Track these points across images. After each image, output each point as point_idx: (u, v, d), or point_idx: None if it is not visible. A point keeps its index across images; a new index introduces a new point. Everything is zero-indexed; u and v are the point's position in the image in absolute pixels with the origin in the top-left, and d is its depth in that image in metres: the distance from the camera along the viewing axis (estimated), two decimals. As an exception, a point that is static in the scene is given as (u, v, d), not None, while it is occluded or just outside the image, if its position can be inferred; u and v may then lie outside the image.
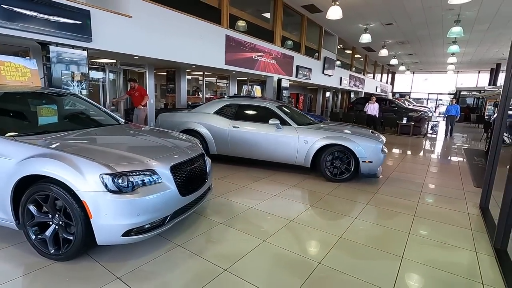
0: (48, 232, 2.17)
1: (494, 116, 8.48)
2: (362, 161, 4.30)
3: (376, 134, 4.86)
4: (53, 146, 2.28)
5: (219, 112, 5.27)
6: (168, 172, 2.35)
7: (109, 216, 2.03)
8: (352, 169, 4.45)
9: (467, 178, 5.15)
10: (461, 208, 3.68)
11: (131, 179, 2.13)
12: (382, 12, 10.73)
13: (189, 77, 10.80)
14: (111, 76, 8.11)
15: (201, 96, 11.22)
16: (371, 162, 4.30)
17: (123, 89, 8.44)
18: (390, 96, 24.16)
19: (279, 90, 10.27)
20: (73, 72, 4.93)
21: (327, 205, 3.58)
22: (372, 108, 11.78)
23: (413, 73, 29.75)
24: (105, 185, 2.03)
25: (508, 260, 2.44)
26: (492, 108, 19.19)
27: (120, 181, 2.08)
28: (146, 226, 2.18)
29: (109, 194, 2.02)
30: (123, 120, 3.58)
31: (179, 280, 2.04)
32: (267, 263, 2.29)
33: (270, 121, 4.70)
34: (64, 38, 4.61)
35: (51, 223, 2.18)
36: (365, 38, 12.26)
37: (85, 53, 5.02)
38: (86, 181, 2.01)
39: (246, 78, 12.68)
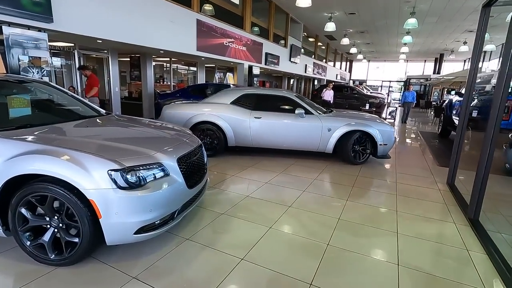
0: (46, 237, 1.97)
1: (446, 102, 9.43)
2: (379, 144, 4.77)
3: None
4: (46, 141, 2.04)
5: (236, 103, 5.03)
6: (175, 164, 2.26)
7: (121, 214, 1.90)
8: (370, 151, 4.92)
9: (430, 158, 5.72)
10: (432, 185, 4.10)
11: (140, 173, 2.01)
12: (347, 1, 11.10)
13: (154, 63, 10.23)
14: (67, 62, 7.35)
15: (168, 83, 10.72)
16: (386, 144, 4.81)
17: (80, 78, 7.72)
18: (351, 84, 25.32)
19: (250, 77, 10.21)
20: (31, 57, 4.37)
21: (342, 190, 3.74)
22: (328, 95, 12.02)
23: (369, 61, 31.54)
24: (114, 182, 1.88)
25: (482, 228, 2.81)
26: (438, 94, 21.28)
27: (129, 176, 1.95)
28: (157, 222, 2.09)
29: (119, 191, 1.89)
30: (104, 111, 3.31)
31: (199, 272, 2.02)
32: (283, 247, 2.35)
33: (296, 111, 4.78)
34: (21, 17, 4.04)
35: (49, 226, 1.98)
36: (330, 26, 12.61)
37: (45, 35, 4.47)
38: (93, 178, 1.85)
39: (214, 65, 12.36)
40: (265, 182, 3.90)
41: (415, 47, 20.52)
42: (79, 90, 7.15)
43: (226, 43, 8.89)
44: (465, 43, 17.49)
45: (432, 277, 2.07)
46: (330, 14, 12.75)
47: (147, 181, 2.04)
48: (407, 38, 15.17)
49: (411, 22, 11.39)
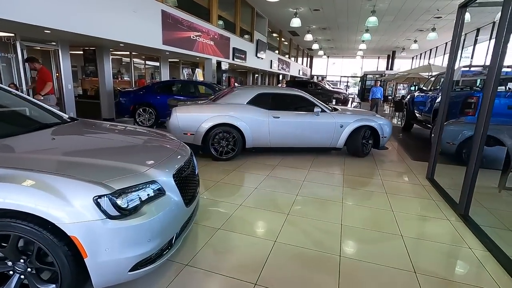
0: (11, 285, 1.51)
1: (407, 97, 9.99)
2: (382, 137, 5.25)
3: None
4: (1, 162, 1.56)
5: (252, 103, 4.85)
6: (171, 180, 1.91)
7: (112, 250, 1.53)
8: (372, 144, 5.40)
9: (402, 152, 5.95)
10: (414, 181, 4.21)
11: (133, 196, 1.64)
12: (312, -3, 11.19)
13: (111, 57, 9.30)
14: (6, 55, 6.27)
15: (127, 80, 9.84)
16: (385, 137, 5.32)
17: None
18: (315, 79, 25.90)
19: (219, 73, 9.79)
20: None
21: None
22: None
23: (328, 57, 32.66)
24: (103, 211, 1.50)
25: (474, 223, 2.90)
26: (392, 89, 22.70)
27: (120, 201, 1.57)
28: (154, 253, 1.74)
29: (109, 221, 1.51)
30: (66, 115, 2.78)
31: (211, 308, 1.72)
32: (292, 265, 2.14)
33: (315, 109, 4.93)
34: None
35: (12, 272, 1.53)
36: (295, 22, 12.66)
37: (-21, 22, 3.67)
38: (73, 208, 1.45)
39: (177, 60, 11.66)
40: (254, 187, 3.66)
41: (371, 44, 21.63)
42: (24, 88, 6.15)
43: (193, 37, 8.36)
44: (415, 41, 18.89)
45: (450, 283, 2.02)
46: (295, 10, 12.77)
47: (142, 205, 1.67)
48: (366, 36, 15.89)
49: (372, 20, 11.88)
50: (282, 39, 20.02)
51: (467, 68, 6.51)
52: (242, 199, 3.28)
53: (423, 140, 7.49)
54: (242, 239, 2.48)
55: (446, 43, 19.30)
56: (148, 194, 1.73)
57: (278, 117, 4.82)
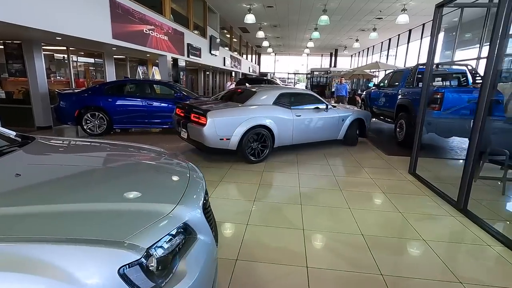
0: None
1: (363, 94, 10.50)
2: (367, 127, 6.25)
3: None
4: None
5: (277, 103, 4.95)
6: (201, 216, 1.44)
7: None
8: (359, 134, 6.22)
9: (374, 148, 6.12)
10: (400, 177, 4.29)
11: (166, 252, 1.15)
12: (267, -7, 10.99)
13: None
14: None
15: (65, 79, 8.38)
16: (368, 127, 6.32)
17: None
18: (269, 77, 25.99)
19: (176, 70, 8.99)
20: None
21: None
22: (227, 86, 11.36)
23: (275, 54, 33.23)
24: (132, 284, 0.99)
25: (476, 216, 2.98)
26: (336, 85, 24.04)
27: (155, 264, 1.08)
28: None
29: (144, 298, 1.01)
30: (13, 133, 2.02)
31: None
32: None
33: (321, 106, 5.45)
34: None
35: None
36: (250, 18, 12.36)
37: None
38: (89, 291, 0.91)
39: (124, 56, 10.41)
40: (252, 200, 3.28)
41: (317, 42, 22.55)
42: None
43: (146, 31, 7.46)
44: (357, 40, 20.24)
45: (497, 289, 1.96)
46: (249, 6, 12.47)
47: (178, 261, 1.19)
48: (315, 34, 16.42)
49: (324, 19, 12.23)
50: (233, 36, 19.59)
51: (423, 66, 7.01)
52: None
53: (386, 134, 7.91)
54: (270, 270, 2.10)
55: (382, 42, 21.14)
56: (181, 244, 1.25)
57: (300, 115, 5.09)
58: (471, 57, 12.28)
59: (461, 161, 5.31)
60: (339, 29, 17.54)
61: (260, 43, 23.81)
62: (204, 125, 4.18)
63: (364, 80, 19.02)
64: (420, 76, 6.33)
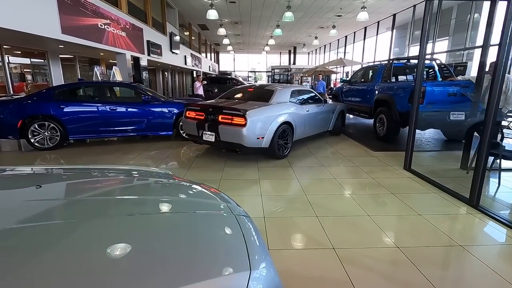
0: None
1: (334, 89, 10.57)
2: (345, 118, 7.04)
3: None
4: None
5: (291, 100, 5.20)
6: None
7: None
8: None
9: (358, 145, 6.05)
10: (398, 174, 4.19)
11: None
12: (231, -12, 10.48)
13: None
14: None
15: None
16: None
17: None
18: (233, 75, 25.35)
19: (138, 70, 8.07)
20: None
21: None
22: (201, 88, 10.42)
23: (234, 52, 32.70)
24: None
25: (491, 212, 2.91)
26: (298, 82, 24.37)
27: None
28: None
29: None
30: None
31: None
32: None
33: (329, 101, 6.66)
34: None
35: None
36: (212, 14, 11.75)
37: None
38: None
39: (72, 56, 9.10)
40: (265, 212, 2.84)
41: (277, 39, 22.59)
42: None
43: (101, 25, 6.49)
44: (316, 37, 20.67)
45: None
46: (210, 1, 11.82)
47: None
48: (278, 31, 16.31)
49: (288, 15, 12.09)
50: (192, 34, 18.65)
51: (397, 61, 7.17)
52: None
53: (364, 129, 7.97)
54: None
55: (339, 39, 21.91)
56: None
57: (308, 110, 5.41)
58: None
59: (446, 152, 5.46)
60: (300, 26, 17.68)
61: (220, 41, 23.16)
62: (243, 125, 4.16)
63: (325, 77, 19.49)
64: (400, 71, 6.44)
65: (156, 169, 1.80)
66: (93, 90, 5.95)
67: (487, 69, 4.56)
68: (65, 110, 5.40)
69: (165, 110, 5.95)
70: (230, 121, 4.26)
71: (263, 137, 4.41)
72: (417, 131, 6.99)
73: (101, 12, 6.56)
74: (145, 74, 8.53)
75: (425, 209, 3.05)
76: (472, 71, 9.16)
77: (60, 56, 8.38)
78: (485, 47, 4.00)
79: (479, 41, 10.70)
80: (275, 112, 4.63)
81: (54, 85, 7.44)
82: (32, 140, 5.31)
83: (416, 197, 3.37)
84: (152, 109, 5.86)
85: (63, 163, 4.71)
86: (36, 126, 5.29)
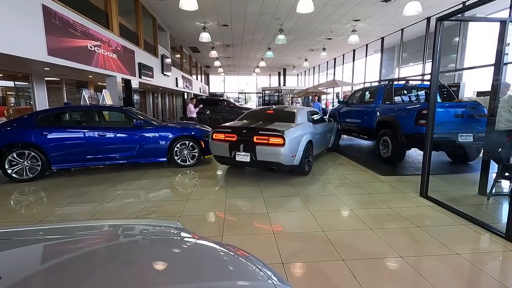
0: None
1: (330, 110, 10.45)
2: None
3: None
4: None
5: (308, 120, 5.64)
6: None
7: None
8: None
9: (365, 169, 5.74)
10: (417, 203, 3.87)
11: None
12: (224, 11, 10.46)
13: None
14: None
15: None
16: None
17: None
18: (225, 97, 25.28)
19: (129, 93, 7.69)
20: None
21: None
22: (194, 110, 9.92)
23: (224, 74, 32.93)
24: None
25: (538, 250, 2.60)
26: (298, 102, 24.45)
27: None
28: None
29: None
30: None
31: None
32: None
33: (328, 119, 7.22)
34: None
35: None
36: (205, 37, 11.74)
37: None
38: None
39: (58, 79, 8.67)
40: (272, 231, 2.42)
41: (268, 61, 22.87)
42: None
43: (91, 47, 6.16)
44: (306, 59, 21.04)
45: None
46: (203, 24, 11.81)
47: None
48: (269, 53, 16.49)
49: (281, 37, 12.20)
50: (183, 56, 18.61)
51: (397, 82, 7.10)
52: None
53: (365, 152, 7.75)
54: None
55: (328, 61, 22.37)
56: None
57: (319, 129, 5.88)
58: (414, 73, 13.51)
59: (457, 175, 5.22)
60: (291, 49, 17.93)
61: (211, 63, 23.27)
62: (281, 145, 4.42)
63: (315, 98, 19.62)
64: (400, 92, 6.33)
65: (163, 221, 1.39)
66: (80, 114, 5.51)
67: (480, 90, 4.45)
68: (48, 137, 4.92)
69: (159, 135, 5.55)
70: (266, 141, 4.49)
71: (295, 155, 4.68)
72: (419, 153, 6.91)
73: (92, 34, 6.26)
74: (136, 97, 8.17)
75: (461, 246, 2.71)
76: (466, 92, 9.25)
77: (46, 78, 7.95)
78: (497, 65, 3.86)
79: (466, 62, 10.99)
80: (302, 132, 5.00)
81: (38, 109, 6.96)
82: (9, 171, 4.77)
83: (446, 231, 3.03)
84: (145, 134, 5.45)
85: (44, 197, 4.18)
86: (15, 155, 4.77)
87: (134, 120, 5.44)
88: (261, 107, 7.13)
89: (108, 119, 5.97)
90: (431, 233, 2.96)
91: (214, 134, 4.94)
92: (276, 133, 4.45)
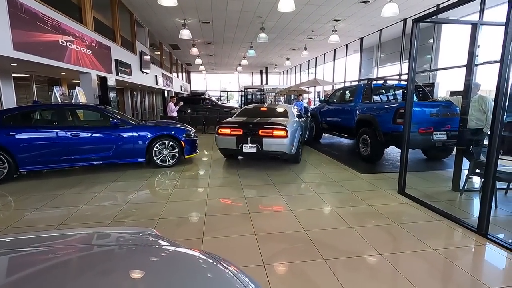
0: None
1: (311, 109, 10.54)
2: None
3: None
4: None
5: (296, 115, 6.37)
6: None
7: None
8: None
9: (345, 167, 5.84)
10: (394, 200, 3.97)
11: None
12: (204, 8, 10.27)
13: None
14: None
15: None
16: None
17: None
18: (207, 95, 24.93)
19: (105, 91, 7.38)
20: None
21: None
22: (175, 109, 9.76)
23: (206, 72, 32.51)
24: None
25: (500, 240, 2.72)
26: (280, 100, 24.54)
27: None
28: None
29: None
30: None
31: None
32: None
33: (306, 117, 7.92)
34: None
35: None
36: (185, 34, 11.52)
37: None
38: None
39: (27, 75, 8.18)
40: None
41: (250, 60, 22.79)
42: None
43: (63, 42, 5.84)
44: (288, 58, 21.14)
45: None
46: (183, 21, 11.55)
47: None
48: (251, 52, 16.41)
49: (263, 36, 12.17)
50: (163, 53, 18.15)
51: (375, 81, 7.25)
52: None
53: (345, 150, 7.87)
54: None
55: (309, 60, 22.62)
56: None
57: (303, 123, 6.50)
58: (392, 73, 13.91)
59: (431, 172, 5.40)
60: (273, 47, 17.95)
61: (192, 61, 22.90)
62: (285, 136, 5.16)
63: (295, 96, 19.77)
64: (379, 91, 6.47)
65: (137, 229, 1.31)
66: (51, 113, 5.22)
67: (454, 89, 4.64)
68: (16, 137, 4.62)
69: (137, 135, 5.36)
70: (271, 133, 5.18)
71: (293, 145, 5.39)
72: (397, 151, 7.12)
73: (63, 28, 5.93)
74: (112, 95, 7.85)
75: (436, 241, 2.79)
76: (440, 92, 9.64)
77: (14, 75, 7.49)
78: (468, 66, 4.02)
79: (440, 63, 11.45)
80: (296, 125, 5.67)
81: (4, 108, 6.53)
82: (-29, 175, 4.44)
83: (422, 227, 3.12)
84: (122, 134, 5.24)
85: (11, 201, 3.92)
86: (-23, 158, 4.45)
87: (110, 119, 5.22)
88: (254, 104, 7.49)
89: (82, 118, 5.71)
90: (408, 230, 3.04)
91: (220, 129, 5.49)
92: (280, 127, 5.17)
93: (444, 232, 3.03)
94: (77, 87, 6.19)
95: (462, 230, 3.06)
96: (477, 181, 4.82)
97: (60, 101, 5.91)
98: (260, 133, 5.19)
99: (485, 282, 2.16)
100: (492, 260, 2.56)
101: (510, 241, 2.78)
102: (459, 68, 8.55)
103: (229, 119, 6.05)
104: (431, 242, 2.78)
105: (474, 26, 3.83)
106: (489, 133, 4.55)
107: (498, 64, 2.69)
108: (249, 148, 5.26)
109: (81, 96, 6.14)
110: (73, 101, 6.00)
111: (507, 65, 2.60)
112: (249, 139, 5.22)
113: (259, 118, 5.81)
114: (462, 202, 3.98)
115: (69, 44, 6.11)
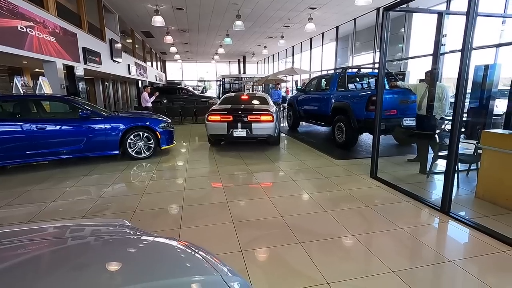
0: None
1: (289, 98, 10.61)
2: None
3: None
4: None
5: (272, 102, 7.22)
6: None
7: None
8: None
9: (321, 154, 5.99)
10: (367, 184, 4.14)
11: None
12: (178, -6, 9.89)
13: None
14: None
15: None
16: None
17: None
18: (183, 85, 24.22)
19: (73, 81, 6.98)
20: None
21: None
22: (150, 100, 9.41)
23: (182, 61, 31.59)
24: None
25: (464, 219, 2.94)
26: (258, 90, 24.42)
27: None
28: None
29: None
30: None
31: None
32: None
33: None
34: None
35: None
36: (158, 20, 11.04)
37: None
38: None
39: (-16, 64, 7.55)
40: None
41: (227, 48, 22.38)
42: None
43: (22, 28, 5.41)
44: (265, 47, 20.98)
45: None
46: (155, 7, 11.07)
47: None
48: (228, 40, 16.08)
49: (239, 24, 11.93)
50: (135, 41, 17.36)
51: (350, 70, 7.40)
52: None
53: (322, 138, 8.04)
54: None
55: (286, 49, 22.59)
56: None
57: (277, 110, 6.76)
58: (366, 61, 14.23)
59: (402, 157, 5.66)
60: (249, 35, 17.72)
61: (166, 49, 22.11)
62: (271, 121, 5.75)
63: (273, 85, 19.80)
64: (353, 79, 6.60)
65: (106, 220, 1.28)
66: (12, 105, 4.88)
67: (423, 77, 4.86)
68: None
69: (109, 126, 5.15)
70: (258, 119, 5.68)
71: (277, 129, 6.03)
72: (370, 137, 7.38)
73: (22, 13, 5.48)
74: (81, 85, 7.43)
75: (404, 221, 2.97)
76: (410, 80, 10.02)
77: (-32, 64, 6.88)
78: (435, 55, 4.20)
79: (411, 52, 11.87)
80: (276, 111, 6.23)
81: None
82: None
83: (392, 208, 3.29)
84: (92, 125, 5.02)
85: (-29, 201, 3.66)
86: None
87: (79, 110, 4.97)
88: (235, 93, 8.05)
89: (49, 110, 5.39)
90: (379, 211, 3.20)
91: (210, 116, 5.85)
92: (267, 112, 5.78)
93: (412, 212, 3.22)
94: (41, 77, 5.80)
95: (428, 209, 3.27)
96: (442, 163, 5.12)
97: (22, 92, 5.52)
98: (249, 118, 5.66)
99: (448, 256, 2.34)
100: (454, 235, 2.76)
101: (469, 217, 3.01)
102: (428, 57, 8.92)
103: (215, 107, 6.45)
104: (400, 221, 2.94)
105: (440, 16, 3.99)
106: (439, 119, 4.83)
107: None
108: (239, 132, 5.68)
109: (45, 87, 5.76)
110: (36, 92, 5.63)
111: (467, 54, 2.74)
112: (239, 124, 5.65)
113: (243, 105, 6.27)
114: (428, 184, 4.23)
115: (30, 30, 5.67)
